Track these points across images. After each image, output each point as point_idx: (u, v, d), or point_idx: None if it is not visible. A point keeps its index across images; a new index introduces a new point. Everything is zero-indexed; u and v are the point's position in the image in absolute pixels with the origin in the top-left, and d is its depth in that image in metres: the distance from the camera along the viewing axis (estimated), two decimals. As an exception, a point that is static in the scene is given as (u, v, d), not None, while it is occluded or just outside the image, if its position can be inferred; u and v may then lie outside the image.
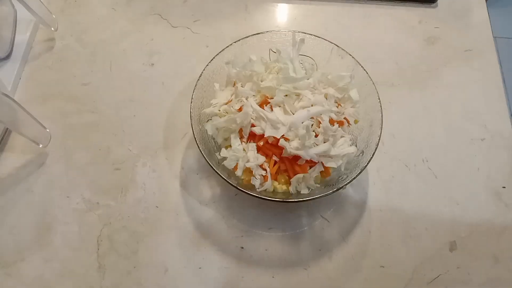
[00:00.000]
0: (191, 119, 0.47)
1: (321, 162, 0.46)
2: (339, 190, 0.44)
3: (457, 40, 0.65)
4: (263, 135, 0.46)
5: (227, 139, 0.49)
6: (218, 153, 0.48)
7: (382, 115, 0.48)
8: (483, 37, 0.65)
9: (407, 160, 0.55)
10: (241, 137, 0.48)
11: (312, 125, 0.46)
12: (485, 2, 0.69)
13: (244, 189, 0.44)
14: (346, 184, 0.44)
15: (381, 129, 0.47)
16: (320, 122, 0.46)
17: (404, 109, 0.59)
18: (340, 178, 0.47)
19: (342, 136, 0.48)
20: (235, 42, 0.52)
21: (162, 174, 0.53)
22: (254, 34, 0.53)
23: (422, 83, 0.61)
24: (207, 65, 0.51)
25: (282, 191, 0.47)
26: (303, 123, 0.45)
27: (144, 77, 0.60)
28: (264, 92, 0.49)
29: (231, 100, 0.49)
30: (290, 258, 0.49)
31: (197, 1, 0.68)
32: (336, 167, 0.47)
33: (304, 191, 0.47)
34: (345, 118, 0.49)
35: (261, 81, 0.49)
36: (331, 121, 0.47)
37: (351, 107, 0.50)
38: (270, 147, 0.46)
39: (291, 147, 0.45)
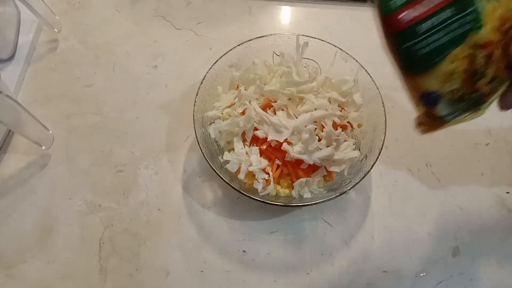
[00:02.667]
0: (194, 122, 0.47)
1: (324, 166, 0.46)
2: (342, 195, 0.44)
3: (461, 44, 0.64)
4: (266, 138, 0.46)
5: (230, 142, 0.49)
6: (220, 156, 0.48)
7: (385, 119, 0.48)
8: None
9: (410, 164, 0.54)
10: (244, 141, 0.48)
11: (315, 129, 0.46)
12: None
13: (247, 192, 0.44)
14: (349, 189, 0.44)
15: (385, 133, 0.47)
16: (323, 126, 0.46)
17: (408, 113, 0.58)
18: (343, 182, 0.47)
19: (345, 140, 0.48)
20: (238, 45, 0.52)
21: (164, 176, 0.53)
22: (258, 37, 0.53)
23: (426, 87, 0.60)
24: (211, 67, 0.50)
25: (284, 195, 0.47)
26: (306, 127, 0.45)
27: (147, 79, 0.60)
28: (268, 95, 0.49)
29: (234, 103, 0.49)
30: (292, 262, 0.48)
31: (201, 3, 0.68)
32: (339, 171, 0.47)
33: (307, 195, 0.47)
34: (348, 122, 0.49)
35: (265, 85, 0.49)
36: (335, 125, 0.47)
37: (354, 111, 0.50)
38: (273, 151, 0.46)
39: (294, 151, 0.44)
